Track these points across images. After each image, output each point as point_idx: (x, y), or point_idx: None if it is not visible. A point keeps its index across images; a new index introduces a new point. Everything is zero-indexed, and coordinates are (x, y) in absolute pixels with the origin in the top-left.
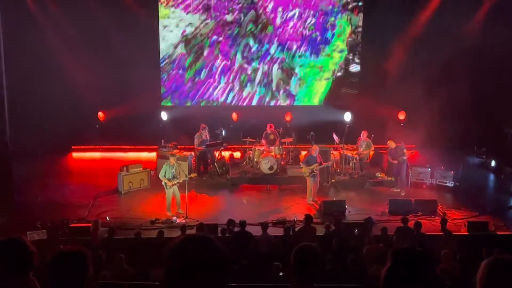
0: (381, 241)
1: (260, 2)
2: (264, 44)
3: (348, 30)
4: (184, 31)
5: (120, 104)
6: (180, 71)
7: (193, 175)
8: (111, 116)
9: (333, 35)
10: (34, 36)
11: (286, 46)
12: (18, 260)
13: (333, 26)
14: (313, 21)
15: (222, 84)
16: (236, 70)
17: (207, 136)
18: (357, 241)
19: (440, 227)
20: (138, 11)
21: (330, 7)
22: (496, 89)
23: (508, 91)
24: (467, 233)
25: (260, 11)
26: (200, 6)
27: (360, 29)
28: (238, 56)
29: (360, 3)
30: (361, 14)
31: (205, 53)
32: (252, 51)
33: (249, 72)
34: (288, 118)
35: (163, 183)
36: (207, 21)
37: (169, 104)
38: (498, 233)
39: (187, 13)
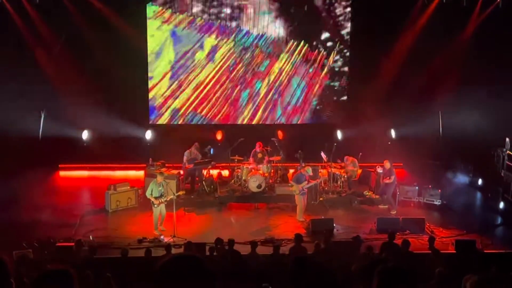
0: (369, 259)
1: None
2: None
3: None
4: (174, 43)
5: (107, 122)
6: (170, 88)
7: (181, 192)
8: (99, 134)
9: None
10: (21, 53)
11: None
12: None
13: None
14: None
15: (212, 101)
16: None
17: (198, 155)
18: (346, 259)
19: (428, 246)
20: (126, 30)
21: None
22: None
23: (496, 110)
24: (454, 251)
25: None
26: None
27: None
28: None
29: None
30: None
31: (198, 68)
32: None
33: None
34: (280, 136)
35: (151, 201)
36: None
37: (151, 122)
38: (485, 251)
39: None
